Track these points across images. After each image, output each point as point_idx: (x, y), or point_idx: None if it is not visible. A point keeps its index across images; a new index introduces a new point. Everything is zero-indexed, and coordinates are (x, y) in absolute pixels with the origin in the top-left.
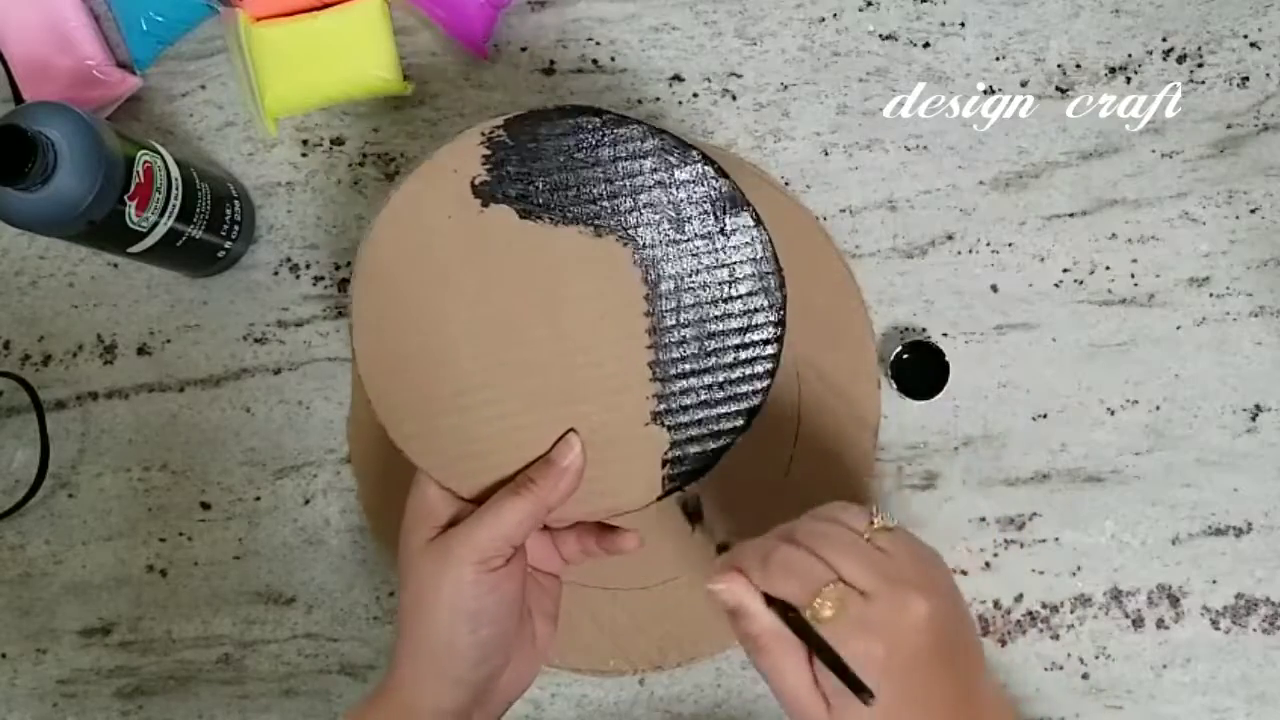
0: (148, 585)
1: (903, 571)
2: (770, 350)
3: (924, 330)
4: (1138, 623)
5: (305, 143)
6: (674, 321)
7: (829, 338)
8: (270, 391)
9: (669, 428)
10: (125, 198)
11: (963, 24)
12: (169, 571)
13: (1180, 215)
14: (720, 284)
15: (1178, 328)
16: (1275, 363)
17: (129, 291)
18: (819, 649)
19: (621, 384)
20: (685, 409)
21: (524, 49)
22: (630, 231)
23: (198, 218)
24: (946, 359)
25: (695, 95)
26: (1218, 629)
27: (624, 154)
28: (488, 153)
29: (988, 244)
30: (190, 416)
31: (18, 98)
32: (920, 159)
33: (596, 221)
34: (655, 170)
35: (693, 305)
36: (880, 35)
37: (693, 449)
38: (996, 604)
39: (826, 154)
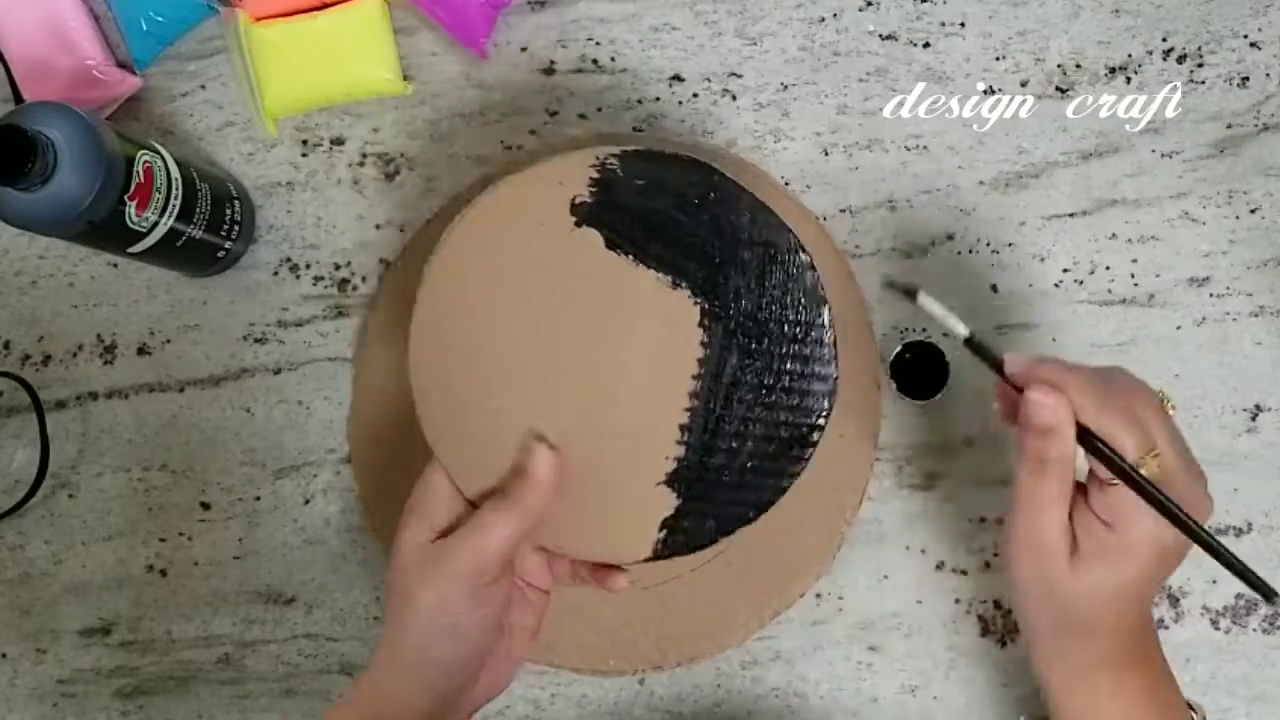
0: (148, 585)
1: (1196, 465)
2: (805, 453)
3: (924, 330)
4: None
5: (305, 143)
6: (720, 398)
7: None
8: (270, 391)
9: (679, 495)
10: (125, 198)
11: (963, 24)
12: (169, 571)
13: (1180, 215)
14: (778, 373)
15: (1178, 328)
16: (1275, 363)
17: (129, 291)
18: (1186, 528)
19: (648, 436)
20: (700, 482)
21: (524, 49)
22: (705, 295)
23: (198, 218)
24: (946, 359)
25: (695, 95)
26: (1218, 629)
27: (724, 217)
28: (596, 176)
29: (988, 244)
30: (190, 416)
31: (18, 98)
32: (920, 159)
33: (677, 274)
34: (750, 244)
35: (743, 386)
36: (880, 35)
37: (694, 522)
38: (997, 604)
39: (826, 154)
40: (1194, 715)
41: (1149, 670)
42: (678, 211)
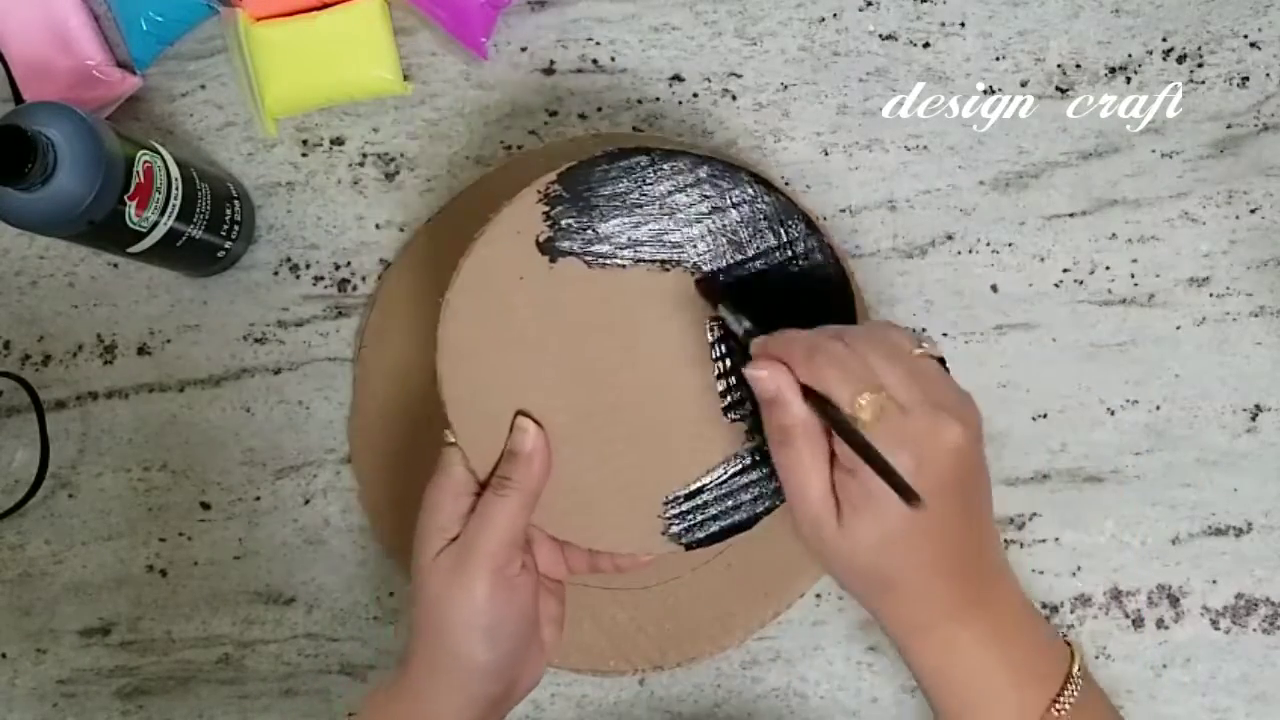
0: (148, 585)
1: (942, 395)
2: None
3: (924, 330)
4: (1138, 623)
5: (305, 143)
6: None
7: None
8: (270, 391)
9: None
10: (125, 198)
11: (963, 24)
12: (169, 571)
13: (1180, 215)
14: (788, 294)
15: (1178, 328)
16: (1275, 363)
17: (129, 291)
18: (863, 448)
19: (666, 424)
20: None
21: (524, 49)
22: (694, 260)
23: (198, 218)
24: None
25: (695, 95)
26: (1218, 629)
27: (675, 187)
28: (546, 209)
29: (988, 244)
30: (190, 416)
31: (18, 98)
32: (920, 159)
33: (660, 257)
34: (707, 197)
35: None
36: (880, 35)
37: (701, 511)
38: None
39: (826, 154)
40: (1070, 649)
41: (990, 611)
42: (630, 201)
